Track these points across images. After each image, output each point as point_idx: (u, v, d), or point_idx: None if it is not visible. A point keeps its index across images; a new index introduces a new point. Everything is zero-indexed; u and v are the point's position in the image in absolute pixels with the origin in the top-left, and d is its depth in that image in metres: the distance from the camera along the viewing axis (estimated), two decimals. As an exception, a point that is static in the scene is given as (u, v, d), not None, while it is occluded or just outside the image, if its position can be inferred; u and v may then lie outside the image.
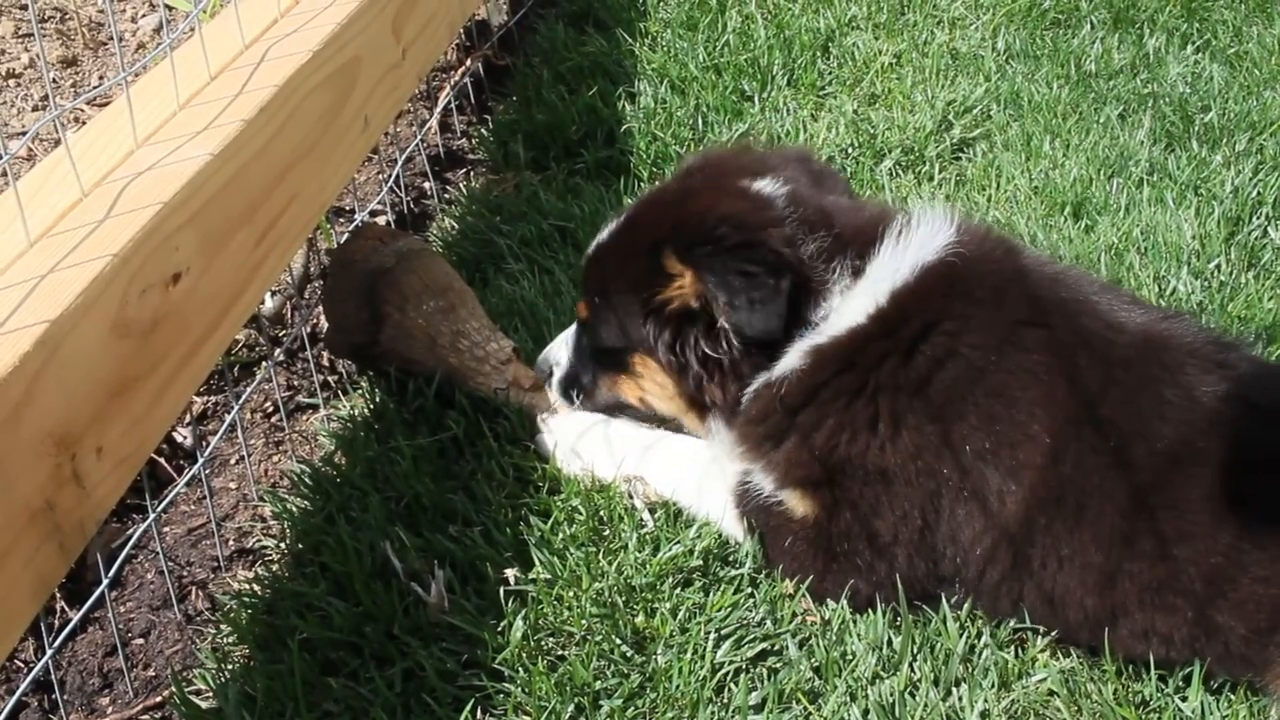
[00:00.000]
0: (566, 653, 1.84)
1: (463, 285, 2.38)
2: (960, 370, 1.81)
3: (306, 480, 2.21)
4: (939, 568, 1.87)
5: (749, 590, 1.95)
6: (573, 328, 2.21)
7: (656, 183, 2.15)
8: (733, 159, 2.17)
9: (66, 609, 2.05)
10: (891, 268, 1.88)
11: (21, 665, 1.97)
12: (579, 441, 2.13)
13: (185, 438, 2.41)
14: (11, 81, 3.32)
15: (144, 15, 3.75)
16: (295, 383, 2.59)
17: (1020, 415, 1.79)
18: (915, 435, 1.82)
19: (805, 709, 1.77)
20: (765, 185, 1.99)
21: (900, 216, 1.95)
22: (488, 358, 2.25)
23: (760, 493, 1.96)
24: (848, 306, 1.88)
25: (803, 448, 1.89)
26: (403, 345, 2.29)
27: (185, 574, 2.15)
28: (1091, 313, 1.86)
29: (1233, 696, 1.78)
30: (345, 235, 2.57)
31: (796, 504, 1.94)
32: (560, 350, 2.22)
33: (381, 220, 3.08)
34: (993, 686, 1.80)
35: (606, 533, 2.03)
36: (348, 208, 3.06)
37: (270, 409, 2.51)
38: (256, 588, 2.02)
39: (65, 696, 1.92)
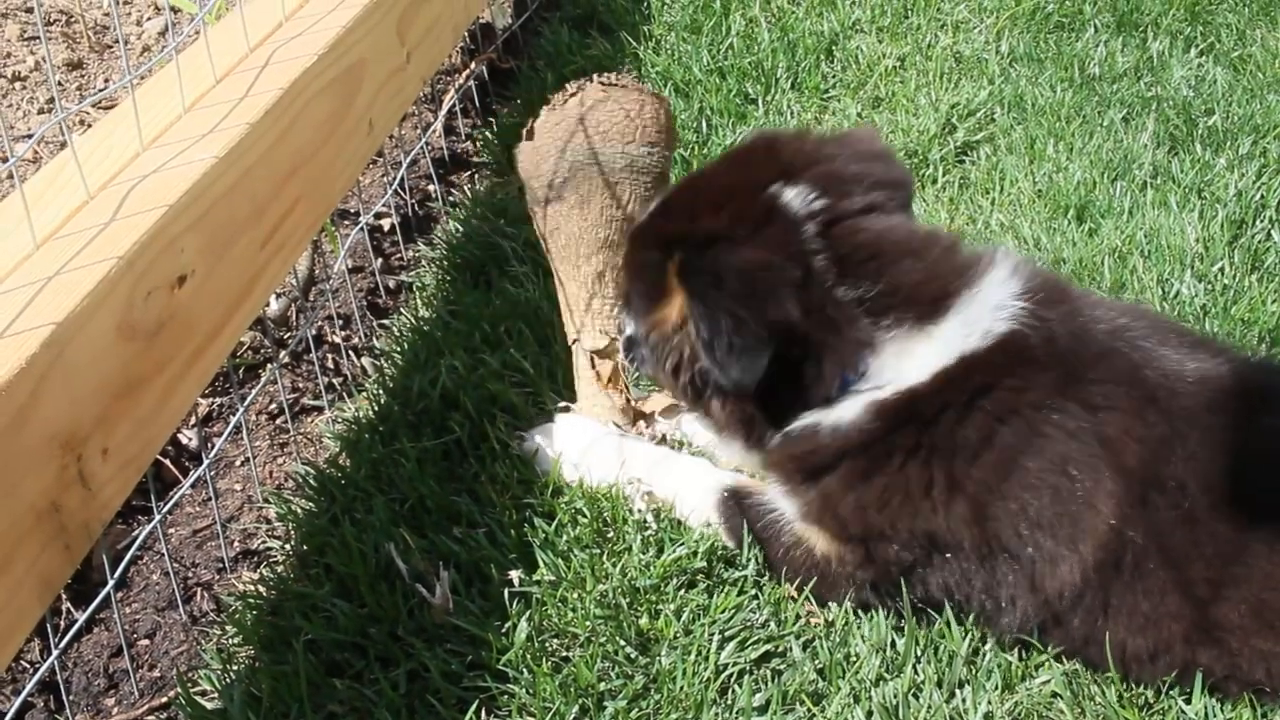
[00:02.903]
0: (571, 654, 1.85)
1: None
2: (1021, 436, 1.74)
3: (311, 482, 2.21)
4: (969, 604, 1.85)
5: (752, 592, 1.95)
6: None
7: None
8: (785, 149, 1.92)
9: (72, 610, 2.05)
10: (961, 333, 1.77)
11: (28, 666, 1.98)
12: (583, 457, 2.12)
13: (190, 440, 2.42)
14: (17, 84, 3.33)
15: (149, 18, 3.76)
16: (300, 385, 2.59)
17: (1086, 484, 1.72)
18: (971, 501, 1.75)
19: (809, 710, 1.77)
20: (796, 200, 1.81)
21: (968, 270, 1.82)
22: (588, 313, 2.19)
23: (776, 519, 1.94)
24: (908, 365, 1.78)
25: (843, 498, 1.83)
26: (552, 234, 2.23)
27: (190, 575, 2.16)
28: (1154, 366, 1.80)
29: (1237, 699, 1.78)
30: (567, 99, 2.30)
31: (817, 540, 1.90)
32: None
33: (386, 224, 3.08)
34: (996, 688, 1.80)
35: (610, 535, 2.04)
36: (352, 210, 3.07)
37: (275, 411, 2.52)
38: (261, 589, 2.03)
39: (71, 697, 1.93)
